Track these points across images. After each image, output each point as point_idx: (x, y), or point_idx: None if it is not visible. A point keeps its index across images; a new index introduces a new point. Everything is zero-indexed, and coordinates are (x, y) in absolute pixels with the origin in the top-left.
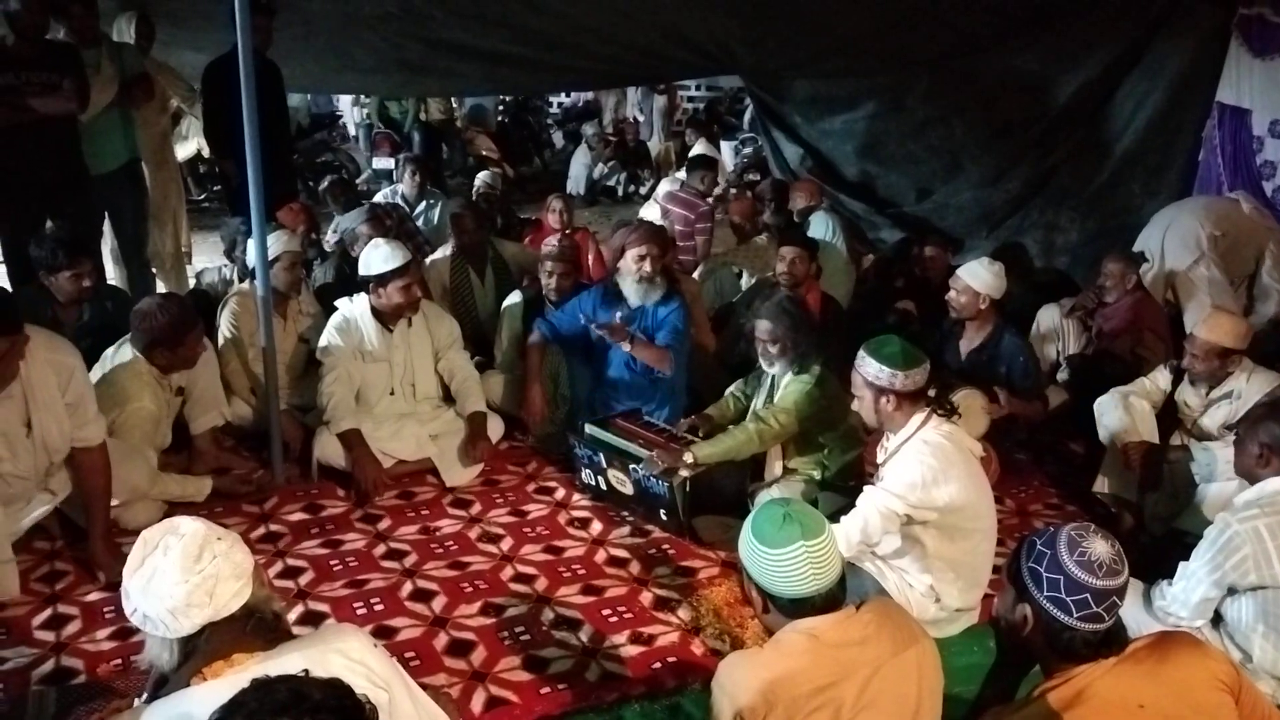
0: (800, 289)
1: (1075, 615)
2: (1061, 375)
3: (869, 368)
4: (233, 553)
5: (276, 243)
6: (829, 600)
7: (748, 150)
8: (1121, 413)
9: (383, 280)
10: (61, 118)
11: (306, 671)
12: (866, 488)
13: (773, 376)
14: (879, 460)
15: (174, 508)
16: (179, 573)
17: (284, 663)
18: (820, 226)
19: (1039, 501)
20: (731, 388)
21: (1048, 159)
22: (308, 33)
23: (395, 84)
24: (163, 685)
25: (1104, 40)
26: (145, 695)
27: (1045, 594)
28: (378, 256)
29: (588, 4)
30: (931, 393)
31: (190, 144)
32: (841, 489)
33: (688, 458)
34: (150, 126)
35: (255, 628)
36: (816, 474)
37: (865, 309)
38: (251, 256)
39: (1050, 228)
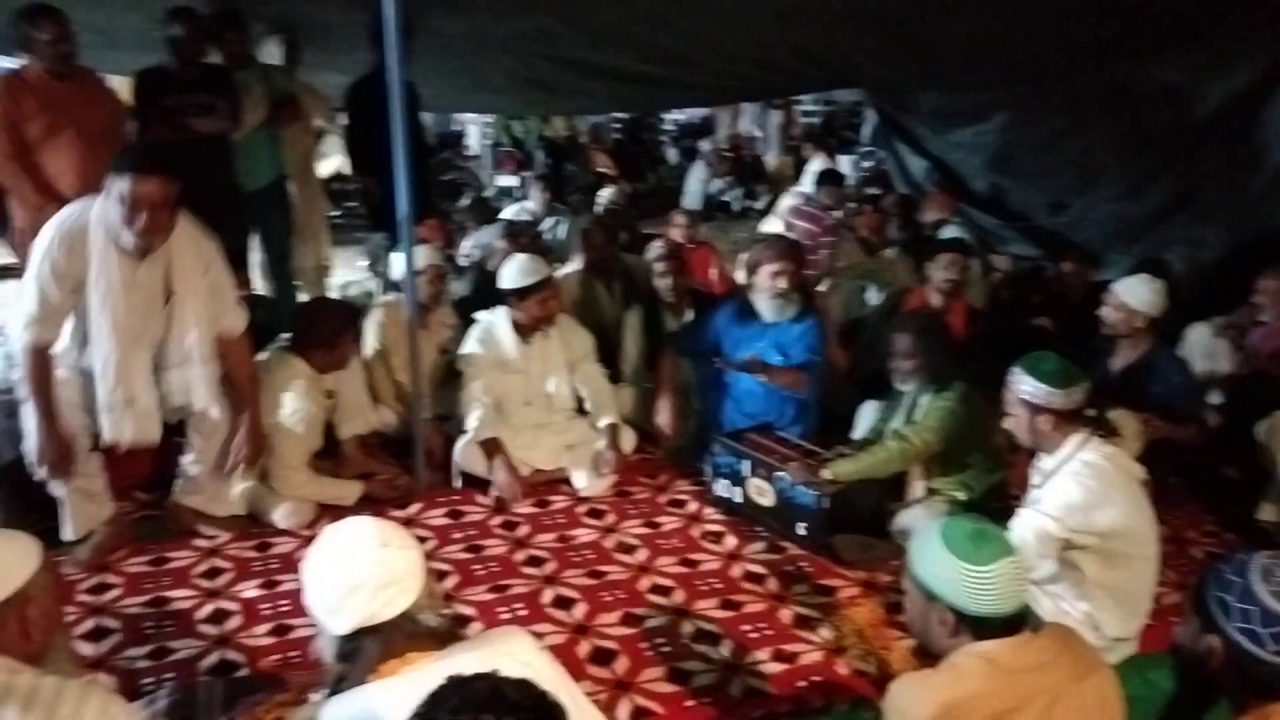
0: (952, 300)
1: (1270, 649)
2: (1213, 397)
3: (1025, 385)
4: (394, 559)
5: (420, 256)
6: (1012, 622)
7: (868, 164)
8: None
9: (522, 294)
10: (216, 137)
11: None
12: (1021, 510)
13: (912, 394)
14: (1034, 482)
15: (325, 509)
16: (337, 573)
17: (457, 663)
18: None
19: (1194, 529)
20: (876, 413)
21: (1192, 172)
22: (443, 54)
23: (525, 103)
24: (341, 681)
25: (1252, 49)
26: (325, 691)
27: (1236, 625)
28: (518, 271)
29: (718, 22)
30: (1090, 412)
31: (331, 162)
32: (987, 511)
33: (825, 474)
34: (296, 145)
35: (433, 626)
36: (960, 495)
37: (999, 326)
38: (396, 270)
39: (1195, 243)
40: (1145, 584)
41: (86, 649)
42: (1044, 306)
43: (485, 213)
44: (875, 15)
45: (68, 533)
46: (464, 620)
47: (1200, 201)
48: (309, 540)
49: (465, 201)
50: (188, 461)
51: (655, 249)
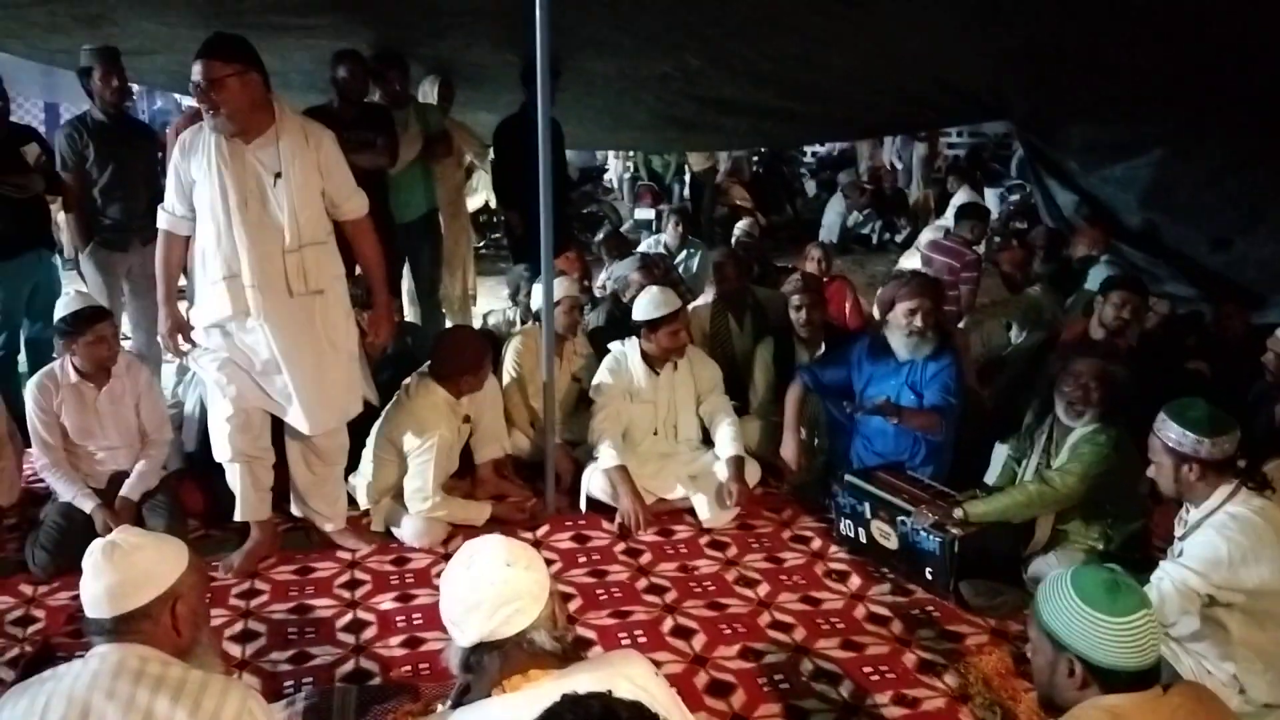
0: (1115, 338)
1: None
2: None
3: (1170, 432)
4: (516, 580)
5: (558, 288)
6: (1147, 677)
7: (1014, 198)
8: None
9: (654, 325)
10: (375, 171)
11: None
12: (1163, 562)
13: (1051, 433)
14: (1178, 534)
15: (457, 529)
16: (462, 588)
17: (576, 682)
18: (1101, 277)
19: None
20: (1007, 452)
21: None
22: (588, 93)
23: (665, 140)
24: (466, 693)
25: None
26: (450, 701)
27: None
28: (650, 303)
29: (862, 58)
30: (1241, 463)
31: (479, 196)
32: (1123, 560)
33: (957, 513)
34: (447, 180)
35: (548, 649)
36: (1099, 544)
37: (1151, 368)
38: (535, 300)
39: None
40: None
41: (234, 650)
42: (1200, 350)
43: (621, 246)
44: (1024, 47)
45: (239, 513)
46: (585, 643)
47: None
48: (444, 557)
49: (602, 234)
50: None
51: (792, 281)
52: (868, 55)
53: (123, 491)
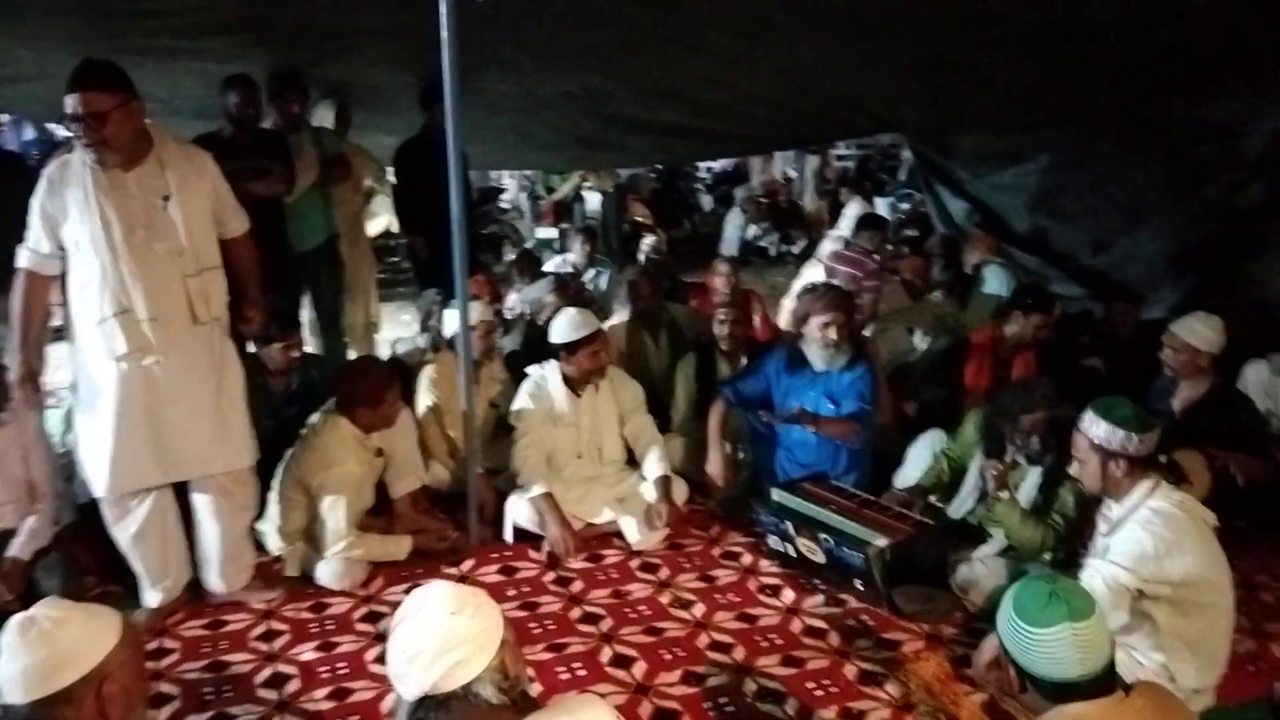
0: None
1: None
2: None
3: (1099, 430)
4: (459, 628)
5: (471, 312)
6: (1095, 685)
7: (904, 206)
8: None
9: (573, 347)
10: (270, 199)
11: None
12: (1090, 560)
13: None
14: (1101, 531)
15: (377, 569)
16: (403, 638)
17: None
18: (995, 281)
19: (1264, 571)
20: (938, 448)
21: (1242, 209)
22: (490, 113)
23: (569, 159)
24: None
25: None
26: None
27: None
28: (568, 324)
29: (763, 75)
30: (1162, 458)
31: (379, 220)
32: (1055, 561)
33: (1003, 494)
34: (346, 205)
35: (494, 702)
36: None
37: (1048, 368)
38: (449, 326)
39: (1246, 282)
40: (1221, 633)
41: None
42: (1094, 347)
43: (533, 266)
44: (920, 61)
45: (150, 599)
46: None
47: (1250, 238)
48: (365, 600)
49: (510, 255)
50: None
51: (720, 295)
52: (770, 73)
53: (11, 551)
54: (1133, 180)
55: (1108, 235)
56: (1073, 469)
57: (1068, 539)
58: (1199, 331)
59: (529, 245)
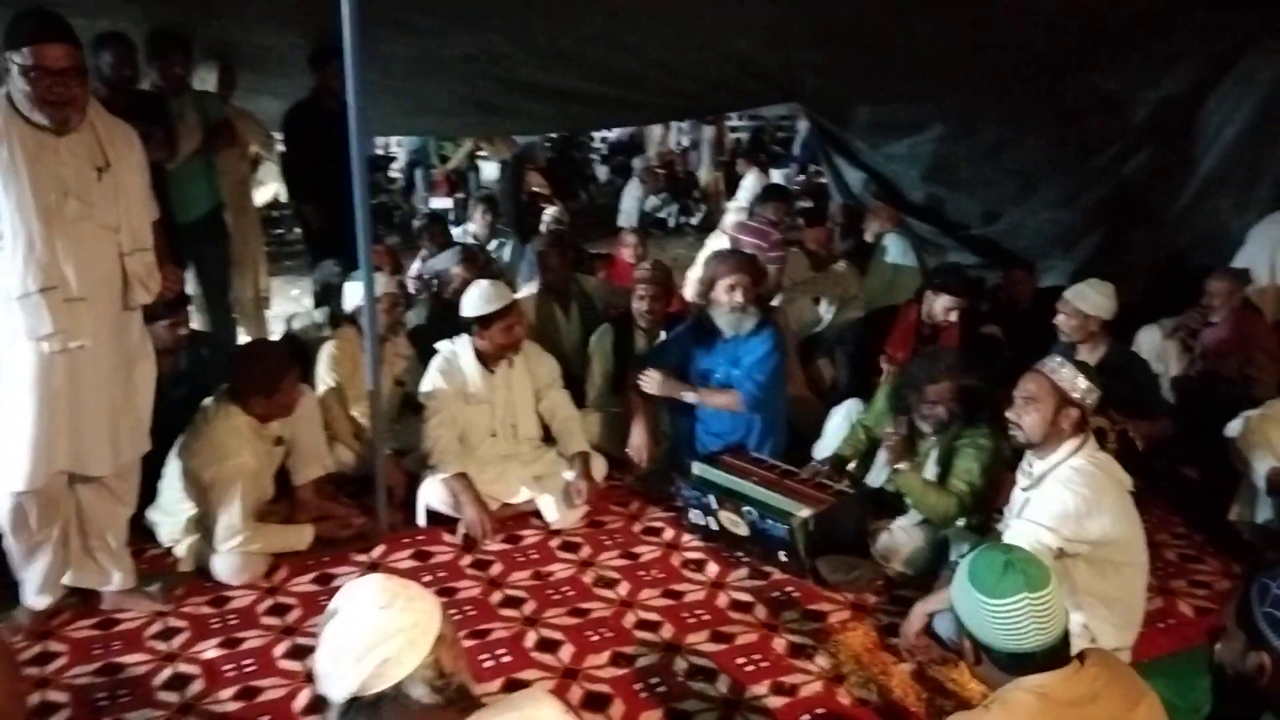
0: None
1: None
2: (1167, 398)
3: (1065, 373)
4: (387, 623)
5: (376, 284)
6: (1051, 656)
7: (800, 177)
8: (1258, 437)
9: (486, 321)
10: (151, 167)
11: None
12: (1013, 520)
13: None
14: (1021, 485)
15: (280, 559)
16: (330, 636)
17: None
18: (896, 249)
19: (1165, 531)
20: (855, 419)
21: (1129, 178)
22: (384, 76)
23: (466, 125)
24: None
25: (1188, 57)
26: None
27: None
28: (480, 297)
29: (666, 38)
30: (1095, 420)
31: (267, 189)
32: (970, 525)
33: (902, 466)
34: (231, 173)
35: (426, 702)
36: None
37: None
38: (350, 300)
39: (1135, 247)
40: (1138, 592)
41: None
42: (991, 315)
43: (441, 235)
44: (819, 29)
45: (37, 601)
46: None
47: (1137, 206)
48: (269, 591)
49: (416, 224)
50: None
51: (642, 269)
52: (669, 36)
53: None
54: (1024, 149)
55: (1000, 204)
56: (1013, 413)
57: (976, 505)
58: (1091, 298)
59: (421, 216)
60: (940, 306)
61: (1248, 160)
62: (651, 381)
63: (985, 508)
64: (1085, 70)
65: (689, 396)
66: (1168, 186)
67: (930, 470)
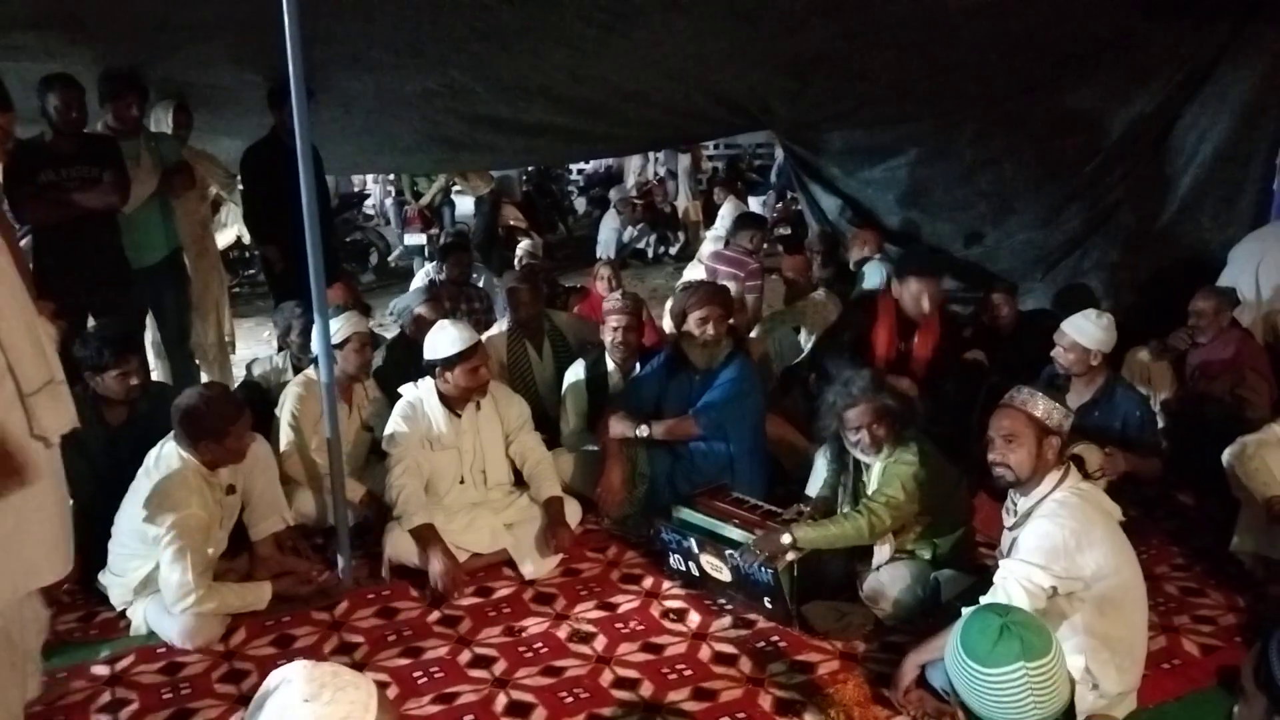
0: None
1: None
2: (1158, 422)
3: (1039, 405)
4: (315, 717)
5: (346, 324)
6: None
7: (778, 205)
8: (1258, 464)
9: (449, 364)
10: (102, 212)
11: None
12: (1003, 562)
13: (857, 468)
14: (1006, 524)
15: (238, 620)
16: None
17: None
18: (876, 276)
19: (1164, 563)
20: (826, 466)
21: (1106, 196)
22: (346, 113)
23: (434, 161)
24: None
25: (1160, 73)
26: None
27: None
28: (444, 339)
29: (632, 69)
30: (1072, 448)
31: (230, 231)
32: (955, 564)
33: (785, 539)
34: (191, 215)
35: None
36: (926, 553)
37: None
38: (315, 343)
39: (1115, 267)
40: (1138, 629)
41: None
42: (974, 340)
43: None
44: (791, 57)
45: None
46: None
47: (1116, 225)
48: (224, 656)
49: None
50: None
51: (612, 300)
52: (638, 67)
53: None
54: (998, 171)
55: (978, 226)
56: (995, 454)
57: (906, 518)
58: (1089, 331)
59: (395, 252)
60: (910, 294)
61: (1226, 176)
62: (607, 427)
63: (965, 552)
64: (1056, 90)
65: (641, 431)
66: (1146, 204)
67: (850, 497)
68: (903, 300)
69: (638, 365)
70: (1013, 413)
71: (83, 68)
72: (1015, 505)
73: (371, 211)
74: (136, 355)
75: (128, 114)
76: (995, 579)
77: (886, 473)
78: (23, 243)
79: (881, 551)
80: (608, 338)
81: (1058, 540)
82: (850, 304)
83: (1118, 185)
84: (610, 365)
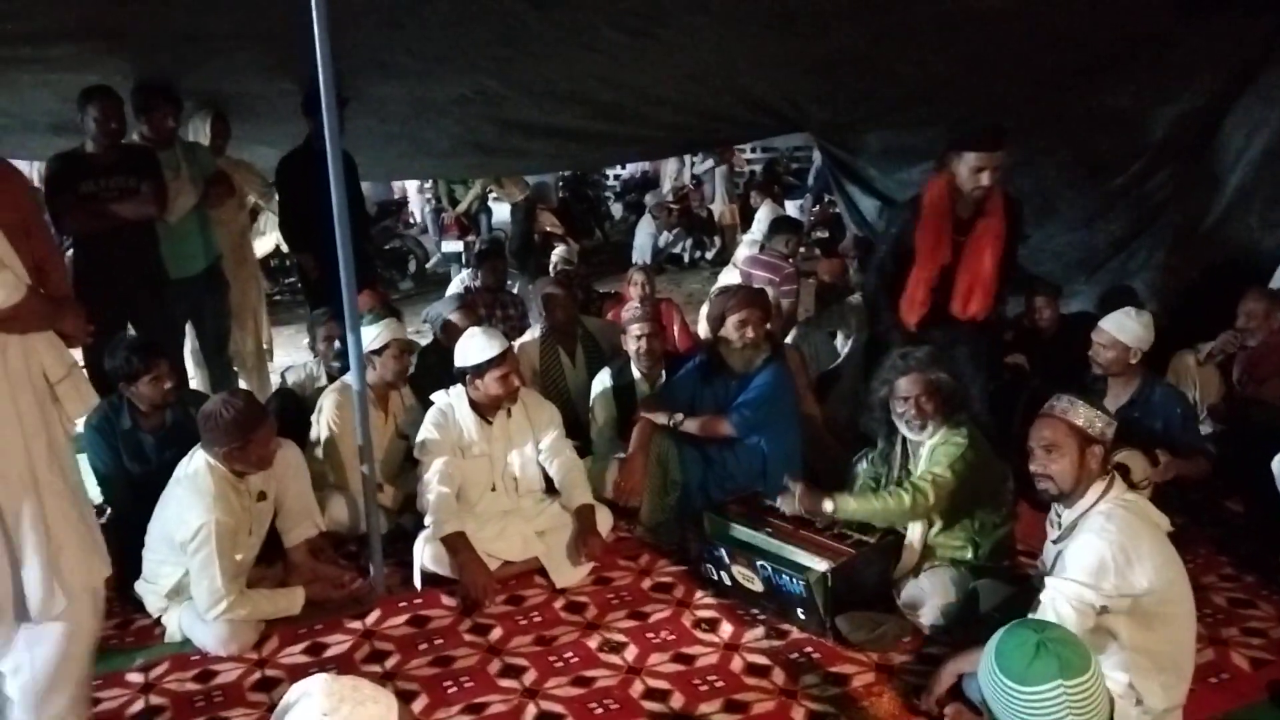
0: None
1: None
2: (1205, 427)
3: (1079, 413)
4: None
5: (385, 331)
6: None
7: (815, 208)
8: None
9: (479, 371)
10: (139, 221)
11: None
12: (1049, 580)
13: (905, 443)
14: (1051, 538)
15: (270, 628)
16: None
17: None
18: None
19: (1212, 573)
20: (862, 473)
21: (1152, 197)
22: (380, 120)
23: (468, 167)
24: None
25: (1204, 70)
26: None
27: None
28: (474, 346)
29: (660, 73)
30: (1116, 456)
31: (269, 239)
32: (996, 572)
33: (827, 506)
34: (229, 224)
35: None
36: (967, 553)
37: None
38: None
39: (1160, 268)
40: (1186, 644)
41: None
42: (1016, 344)
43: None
44: (822, 59)
45: None
46: None
47: (1162, 225)
48: (257, 664)
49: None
50: None
51: (630, 309)
52: (669, 72)
53: None
54: (1037, 171)
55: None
56: (1036, 465)
57: (945, 502)
58: (1129, 328)
59: (433, 260)
60: (967, 169)
61: (1275, 175)
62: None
63: (1005, 553)
64: (1094, 89)
65: (676, 419)
66: (1193, 205)
67: (896, 477)
68: (959, 177)
69: (663, 373)
70: (1053, 422)
71: (121, 79)
72: (1059, 517)
73: (413, 218)
74: (166, 359)
75: (163, 125)
76: (1043, 598)
77: (936, 452)
78: (66, 255)
79: (912, 551)
80: (631, 347)
81: (1106, 556)
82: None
83: (1164, 185)
84: (636, 375)
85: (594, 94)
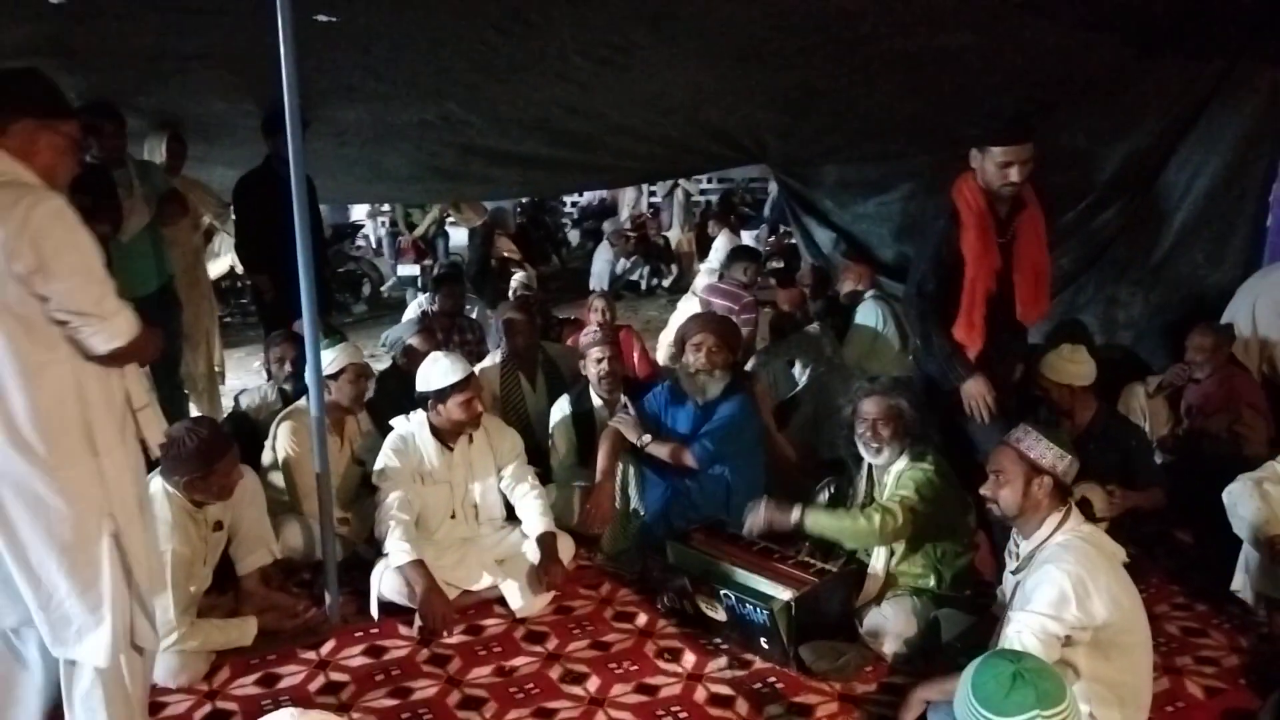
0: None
1: None
2: (1155, 459)
3: (1030, 443)
4: None
5: (341, 355)
6: None
7: (771, 238)
8: (1259, 502)
9: (442, 396)
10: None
11: None
12: (1013, 614)
13: (871, 469)
14: (1010, 568)
15: (222, 658)
16: None
17: None
18: (869, 314)
19: (1164, 602)
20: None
21: (1100, 233)
22: (340, 144)
23: (428, 192)
24: None
25: (1153, 110)
26: None
27: None
28: (437, 371)
29: (627, 104)
30: (1075, 490)
31: (223, 260)
32: (957, 601)
33: (794, 516)
34: (183, 245)
35: None
36: (929, 581)
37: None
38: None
39: (1110, 302)
40: (1143, 673)
41: None
42: None
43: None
44: (783, 92)
45: None
46: None
47: (1111, 261)
48: (207, 696)
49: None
50: None
51: (589, 334)
52: (634, 101)
53: None
54: None
55: None
56: (987, 489)
57: (912, 525)
58: (1061, 368)
59: (388, 284)
60: (994, 165)
61: (1220, 213)
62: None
63: (967, 582)
64: (1049, 127)
65: (645, 439)
66: (1141, 241)
67: (861, 502)
68: (986, 176)
69: (624, 398)
70: (1006, 450)
71: (74, 97)
72: (1018, 548)
73: (364, 242)
74: None
75: (113, 144)
76: (1009, 631)
77: (902, 477)
78: None
79: (874, 579)
80: (591, 371)
81: (1066, 587)
82: (929, 215)
83: (1111, 222)
84: (596, 401)
85: (559, 122)
